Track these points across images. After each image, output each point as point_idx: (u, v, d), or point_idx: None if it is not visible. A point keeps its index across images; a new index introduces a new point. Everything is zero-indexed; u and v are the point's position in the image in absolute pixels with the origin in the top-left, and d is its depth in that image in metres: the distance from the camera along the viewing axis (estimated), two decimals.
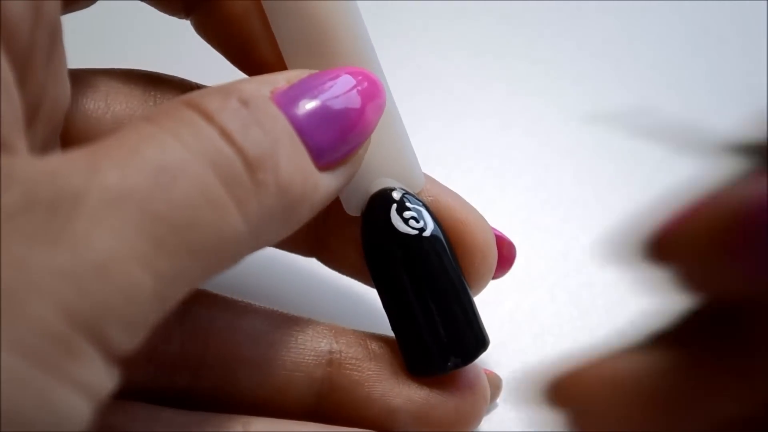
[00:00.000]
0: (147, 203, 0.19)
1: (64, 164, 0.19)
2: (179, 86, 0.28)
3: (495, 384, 0.30)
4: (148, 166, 0.19)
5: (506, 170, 0.38)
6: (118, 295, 0.18)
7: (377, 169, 0.27)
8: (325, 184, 0.23)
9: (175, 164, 0.19)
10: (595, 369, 0.22)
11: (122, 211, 0.18)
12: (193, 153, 0.20)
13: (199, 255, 0.19)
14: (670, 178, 0.35)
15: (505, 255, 0.29)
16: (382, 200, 0.27)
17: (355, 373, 0.27)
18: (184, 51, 0.30)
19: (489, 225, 0.28)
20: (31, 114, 0.21)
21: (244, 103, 0.21)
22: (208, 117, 0.21)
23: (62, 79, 0.23)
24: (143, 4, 0.28)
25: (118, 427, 0.24)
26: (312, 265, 0.30)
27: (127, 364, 0.19)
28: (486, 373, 0.28)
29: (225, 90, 0.22)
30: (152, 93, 0.27)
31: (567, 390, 0.22)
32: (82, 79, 0.26)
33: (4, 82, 0.19)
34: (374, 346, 0.28)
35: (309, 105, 0.23)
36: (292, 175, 0.22)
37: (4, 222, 0.17)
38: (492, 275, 0.28)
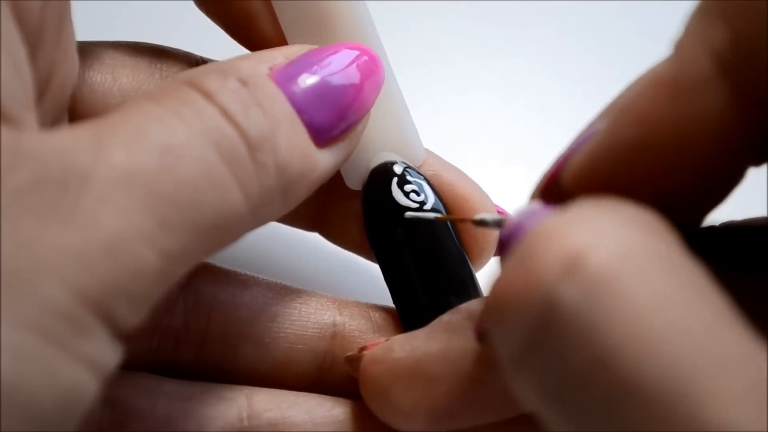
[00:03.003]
0: (153, 183, 0.19)
1: (72, 141, 0.19)
2: (185, 59, 0.29)
3: None
4: (153, 145, 0.20)
5: (509, 145, 0.39)
6: (125, 273, 0.19)
7: (378, 143, 0.28)
8: (324, 161, 0.24)
9: (180, 144, 0.20)
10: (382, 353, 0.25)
11: (129, 191, 0.19)
12: (196, 133, 0.21)
13: (203, 234, 0.20)
14: None
15: None
16: (383, 174, 0.28)
17: (356, 347, 0.28)
18: (189, 26, 0.30)
19: (491, 200, 0.29)
20: (41, 90, 0.22)
21: (244, 82, 0.22)
22: (209, 97, 0.21)
23: (71, 56, 0.23)
24: None
25: (123, 398, 0.26)
26: (315, 238, 0.31)
27: (132, 338, 0.20)
28: None
29: (224, 69, 0.22)
30: (158, 66, 0.28)
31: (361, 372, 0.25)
32: (89, 52, 0.27)
33: (17, 59, 0.20)
34: (377, 317, 0.29)
35: (307, 82, 0.24)
36: (291, 155, 0.22)
37: (15, 200, 0.18)
38: (494, 249, 0.29)
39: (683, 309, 0.16)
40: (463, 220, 0.27)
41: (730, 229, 0.21)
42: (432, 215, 0.27)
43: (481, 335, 0.23)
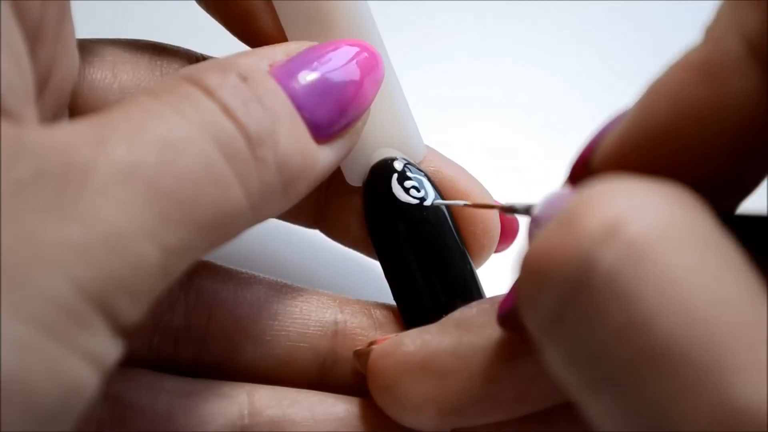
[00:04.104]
0: (153, 178, 0.20)
1: (73, 136, 0.20)
2: (185, 56, 0.29)
3: None
4: (153, 140, 0.20)
5: (509, 144, 0.39)
6: (126, 267, 0.19)
7: (378, 140, 0.28)
8: (324, 158, 0.24)
9: (180, 139, 0.20)
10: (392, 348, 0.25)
11: (130, 185, 0.19)
12: (196, 129, 0.21)
13: (203, 229, 0.21)
14: None
15: (508, 228, 0.30)
16: (383, 170, 0.28)
17: (360, 344, 0.28)
18: (189, 23, 0.31)
19: (491, 196, 0.29)
20: (42, 85, 0.22)
21: (243, 78, 0.22)
22: (209, 93, 0.22)
23: (71, 52, 0.24)
24: None
25: (123, 394, 0.26)
26: (316, 236, 0.31)
27: (133, 335, 0.20)
28: None
29: (224, 65, 0.23)
30: (158, 63, 0.28)
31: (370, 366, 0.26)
32: (89, 49, 0.27)
33: (17, 54, 0.20)
34: (379, 315, 0.29)
35: (307, 78, 0.24)
36: (291, 151, 0.23)
37: (16, 193, 0.18)
38: (494, 246, 0.29)
39: (719, 281, 0.16)
40: (491, 207, 0.27)
41: (757, 217, 0.21)
42: (461, 202, 0.28)
43: (504, 317, 0.23)
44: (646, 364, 0.16)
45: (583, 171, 0.21)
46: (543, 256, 0.18)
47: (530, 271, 0.18)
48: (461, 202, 0.28)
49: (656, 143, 0.19)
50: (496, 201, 0.29)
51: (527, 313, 0.18)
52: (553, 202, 0.20)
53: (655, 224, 0.17)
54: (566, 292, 0.17)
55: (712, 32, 0.19)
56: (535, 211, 0.20)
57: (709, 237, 0.17)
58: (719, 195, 0.19)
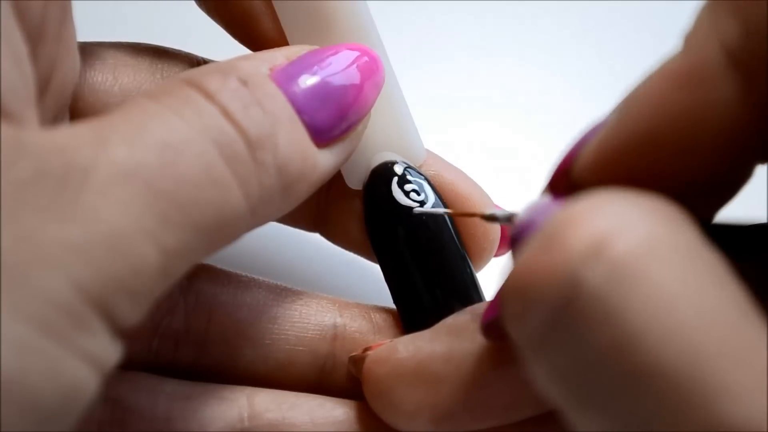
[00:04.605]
0: (153, 179, 0.20)
1: (73, 137, 0.20)
2: (185, 60, 0.29)
3: None
4: (154, 142, 0.20)
5: (509, 145, 0.39)
6: (126, 269, 0.19)
7: (378, 143, 0.28)
8: (324, 161, 0.24)
9: (180, 142, 0.21)
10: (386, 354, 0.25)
11: (130, 186, 0.19)
12: (196, 131, 0.21)
13: (203, 231, 0.21)
14: None
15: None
16: (383, 173, 0.28)
17: (359, 348, 0.28)
18: (189, 26, 0.31)
19: (492, 200, 0.29)
20: (43, 87, 0.22)
21: (244, 82, 0.22)
22: (209, 96, 0.22)
23: (72, 53, 0.24)
24: None
25: (123, 397, 0.26)
26: (315, 239, 0.31)
27: (133, 338, 0.20)
28: None
29: (224, 68, 0.23)
30: (159, 66, 0.28)
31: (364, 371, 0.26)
32: (90, 52, 0.27)
33: (18, 56, 0.20)
34: (378, 318, 0.29)
35: (307, 82, 0.24)
36: (291, 155, 0.23)
37: (16, 193, 0.18)
38: (494, 250, 0.29)
39: (706, 298, 0.16)
40: (472, 215, 0.27)
41: (738, 226, 0.21)
42: (442, 210, 0.28)
43: (488, 327, 0.23)
44: (635, 383, 0.16)
45: (563, 179, 0.21)
46: (528, 274, 0.18)
47: (516, 290, 0.18)
48: (441, 211, 0.28)
49: (636, 152, 0.19)
50: (496, 206, 0.29)
51: (514, 331, 0.18)
52: (535, 212, 0.20)
53: (641, 242, 0.17)
54: (553, 311, 0.17)
55: (690, 40, 0.19)
56: (518, 221, 0.20)
57: (694, 252, 0.17)
58: (699, 202, 0.19)
